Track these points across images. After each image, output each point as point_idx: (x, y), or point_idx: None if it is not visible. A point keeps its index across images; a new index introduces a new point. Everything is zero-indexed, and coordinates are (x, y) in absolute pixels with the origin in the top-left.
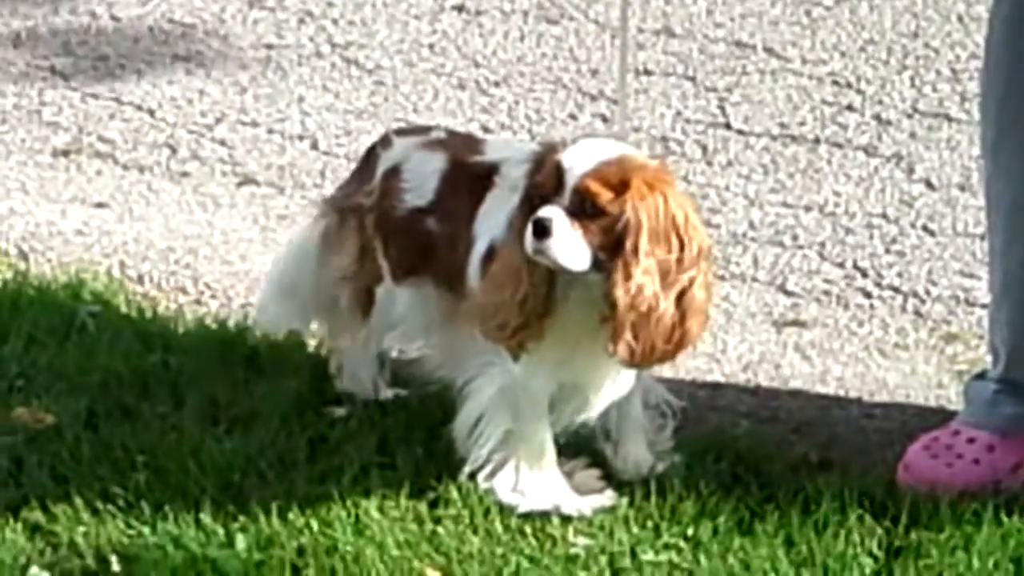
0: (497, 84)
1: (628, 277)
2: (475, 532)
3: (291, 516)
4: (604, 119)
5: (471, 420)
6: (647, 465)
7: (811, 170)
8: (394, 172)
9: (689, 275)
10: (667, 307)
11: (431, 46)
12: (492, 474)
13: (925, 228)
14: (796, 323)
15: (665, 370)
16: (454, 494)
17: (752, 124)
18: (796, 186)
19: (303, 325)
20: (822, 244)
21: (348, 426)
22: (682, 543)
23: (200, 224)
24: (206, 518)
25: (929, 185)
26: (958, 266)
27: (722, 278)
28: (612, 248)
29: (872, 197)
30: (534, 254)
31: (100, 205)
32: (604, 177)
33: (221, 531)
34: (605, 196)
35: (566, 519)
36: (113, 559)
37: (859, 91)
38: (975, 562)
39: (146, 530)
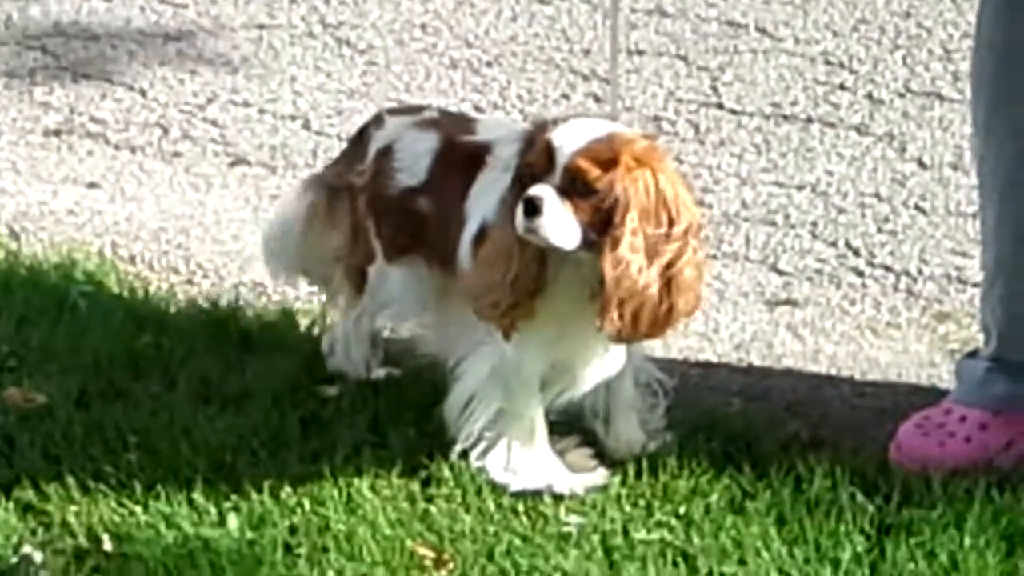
0: (489, 64)
1: (616, 254)
2: (467, 511)
3: (283, 495)
4: (596, 99)
5: (462, 399)
6: (639, 444)
7: (803, 149)
8: (387, 152)
9: (678, 252)
10: (655, 283)
11: (423, 26)
12: (484, 453)
13: (917, 207)
14: (788, 302)
15: (657, 349)
16: (446, 473)
17: (744, 103)
18: (788, 165)
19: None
20: (814, 223)
21: (340, 405)
22: (674, 521)
23: (192, 204)
24: (198, 497)
25: (921, 164)
26: (950, 245)
27: (714, 257)
28: (602, 225)
29: (864, 176)
30: (525, 233)
31: (92, 185)
32: (594, 155)
33: (213, 510)
34: (595, 174)
35: (558, 498)
36: (105, 538)
37: (851, 70)
38: (967, 540)
39: (138, 509)
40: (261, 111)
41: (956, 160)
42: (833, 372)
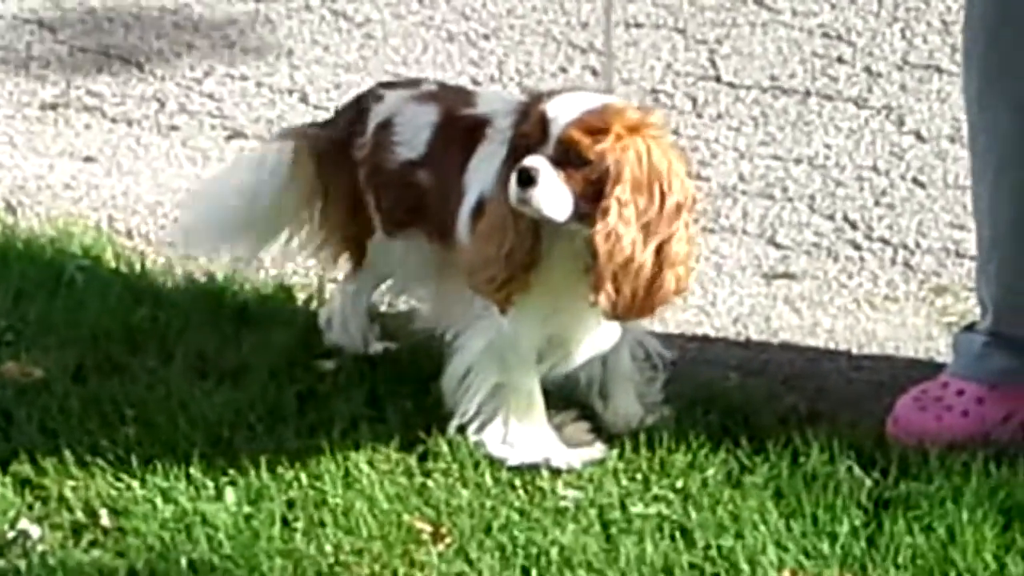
0: (487, 37)
1: (607, 225)
2: (465, 485)
3: (280, 469)
4: (594, 72)
5: (459, 374)
6: (637, 418)
7: (801, 122)
8: (386, 125)
9: (671, 225)
10: (646, 257)
11: None
12: (481, 427)
13: (915, 180)
14: (786, 275)
15: (655, 323)
16: (444, 447)
17: (742, 76)
18: (786, 138)
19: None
20: (812, 197)
21: (337, 379)
22: (672, 495)
23: (189, 178)
24: (195, 472)
25: (919, 137)
26: (948, 218)
27: (712, 231)
28: (595, 196)
29: (862, 149)
30: (518, 204)
31: (88, 159)
32: (588, 126)
33: (211, 485)
34: (588, 144)
35: (556, 472)
36: (103, 513)
37: (849, 43)
38: (964, 514)
39: (135, 484)
40: (258, 84)
41: (954, 133)
42: (831, 346)
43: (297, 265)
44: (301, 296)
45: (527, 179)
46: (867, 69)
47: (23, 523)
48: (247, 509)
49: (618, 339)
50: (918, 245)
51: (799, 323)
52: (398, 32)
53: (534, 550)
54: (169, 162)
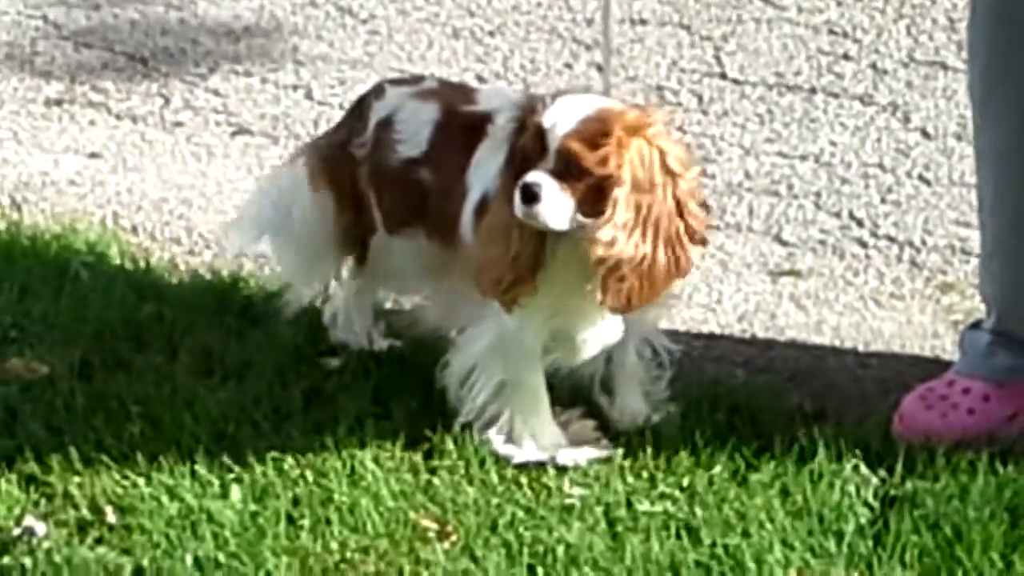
0: (492, 33)
1: (608, 233)
2: (471, 483)
3: (286, 467)
4: (599, 68)
5: (463, 371)
6: (643, 415)
7: (807, 119)
8: (387, 123)
9: (671, 218)
10: (649, 253)
11: None
12: (487, 425)
13: (921, 177)
14: (792, 273)
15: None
16: (449, 445)
17: (748, 73)
18: (792, 135)
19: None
20: (818, 194)
21: (343, 377)
22: (678, 493)
23: (194, 174)
24: (201, 469)
25: (925, 134)
26: (954, 215)
27: (718, 228)
28: (598, 200)
29: (868, 146)
30: (524, 218)
31: (93, 155)
32: (586, 135)
33: (216, 482)
34: (587, 155)
35: (562, 470)
36: (108, 510)
37: (855, 40)
38: (970, 512)
39: (141, 481)
40: (263, 81)
41: (960, 130)
42: (836, 343)
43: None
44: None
45: (531, 196)
46: (873, 66)
47: (28, 520)
48: (252, 506)
49: (624, 336)
50: (924, 242)
51: (805, 320)
52: (403, 28)
53: (540, 548)
54: (174, 158)
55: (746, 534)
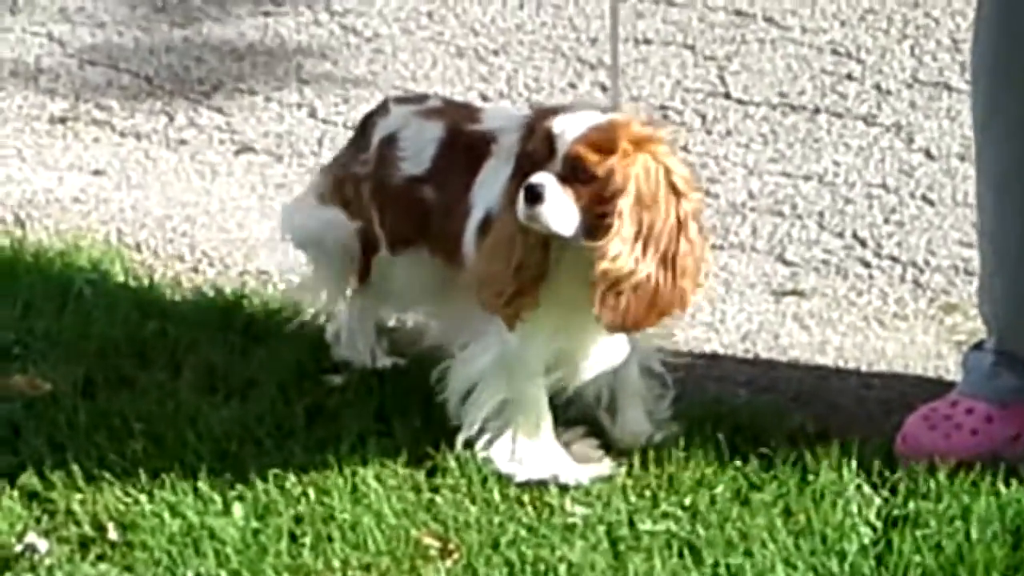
0: (496, 52)
1: (610, 243)
2: (473, 501)
3: (288, 484)
4: (603, 88)
5: (463, 388)
6: (645, 434)
7: (810, 140)
8: (391, 141)
9: (676, 239)
10: (650, 271)
11: (430, 14)
12: (489, 443)
13: (924, 198)
14: (795, 293)
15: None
16: (452, 463)
17: (751, 93)
18: (795, 155)
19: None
20: (821, 214)
21: (345, 394)
22: (680, 512)
23: (197, 192)
24: (203, 486)
25: (929, 155)
26: (957, 236)
27: (721, 248)
28: (602, 212)
29: (872, 167)
30: (526, 220)
31: (97, 172)
32: (594, 142)
33: (219, 499)
34: (595, 160)
35: (564, 488)
36: (110, 527)
37: (859, 60)
38: (973, 532)
39: (143, 498)
40: (267, 99)
41: (964, 151)
42: (840, 363)
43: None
44: (309, 310)
45: (534, 196)
46: (877, 87)
47: (31, 537)
48: (255, 524)
49: (627, 355)
50: (927, 263)
51: (808, 340)
52: (407, 47)
53: (542, 566)
54: (178, 176)
55: (748, 554)
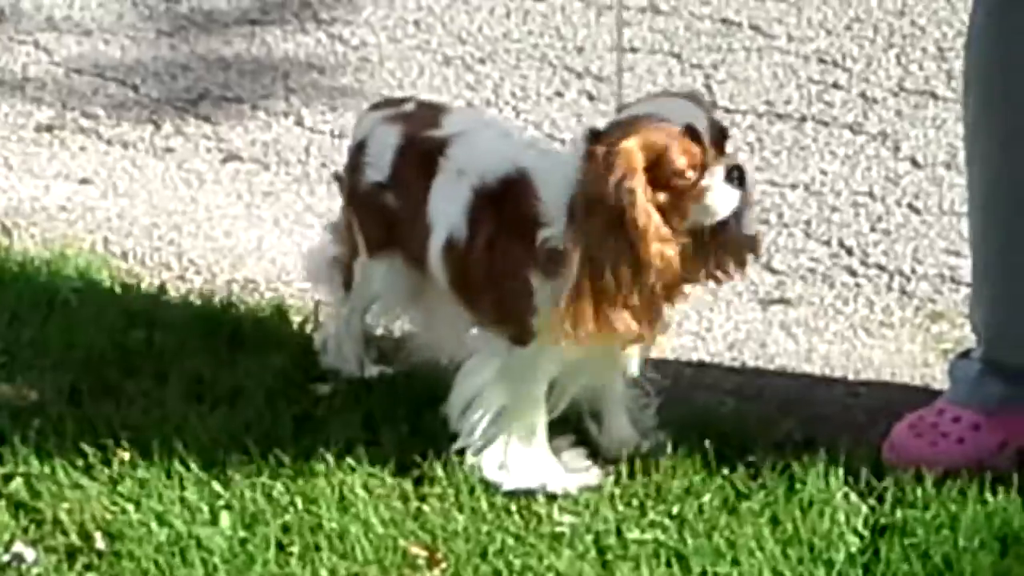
0: (482, 61)
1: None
2: (460, 510)
3: (276, 493)
4: (590, 96)
5: (466, 398)
6: (632, 443)
7: (797, 148)
8: (361, 146)
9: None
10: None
11: (416, 23)
12: (479, 451)
13: (911, 206)
14: (781, 301)
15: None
16: (439, 472)
17: (738, 102)
18: (782, 164)
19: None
20: (807, 222)
21: (333, 403)
22: (667, 521)
23: (184, 200)
24: (191, 495)
25: (915, 163)
26: (944, 244)
27: None
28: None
29: (858, 175)
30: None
31: (84, 181)
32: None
33: (206, 508)
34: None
35: (551, 497)
36: (97, 536)
37: (845, 69)
38: (961, 540)
39: (130, 507)
40: (254, 107)
41: (950, 159)
42: (826, 372)
43: (293, 288)
44: (297, 319)
45: (741, 177)
46: (863, 95)
47: (18, 546)
48: (242, 533)
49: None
50: (914, 271)
51: (795, 349)
52: (394, 56)
53: (530, 575)
54: (165, 184)
55: (736, 562)
